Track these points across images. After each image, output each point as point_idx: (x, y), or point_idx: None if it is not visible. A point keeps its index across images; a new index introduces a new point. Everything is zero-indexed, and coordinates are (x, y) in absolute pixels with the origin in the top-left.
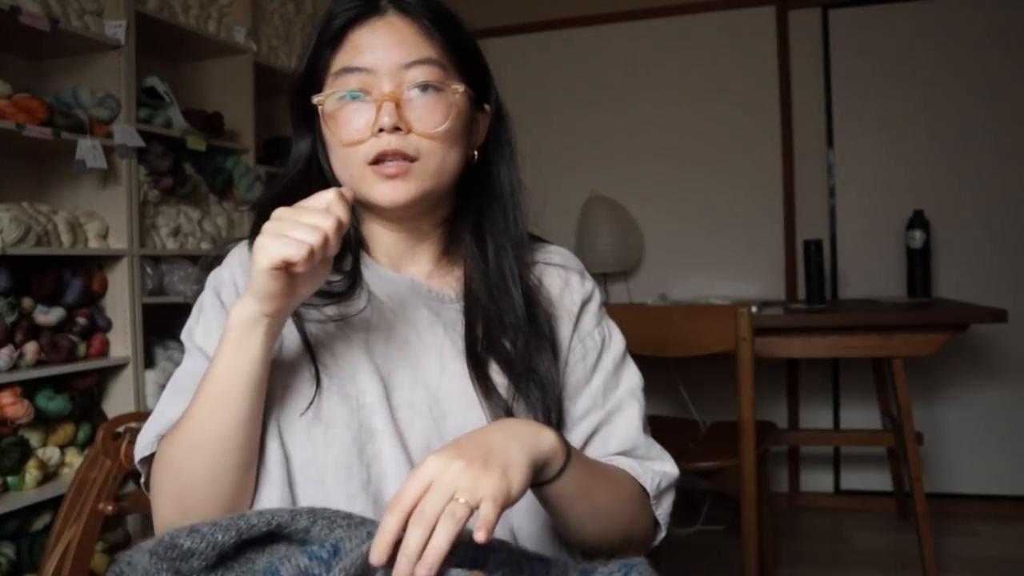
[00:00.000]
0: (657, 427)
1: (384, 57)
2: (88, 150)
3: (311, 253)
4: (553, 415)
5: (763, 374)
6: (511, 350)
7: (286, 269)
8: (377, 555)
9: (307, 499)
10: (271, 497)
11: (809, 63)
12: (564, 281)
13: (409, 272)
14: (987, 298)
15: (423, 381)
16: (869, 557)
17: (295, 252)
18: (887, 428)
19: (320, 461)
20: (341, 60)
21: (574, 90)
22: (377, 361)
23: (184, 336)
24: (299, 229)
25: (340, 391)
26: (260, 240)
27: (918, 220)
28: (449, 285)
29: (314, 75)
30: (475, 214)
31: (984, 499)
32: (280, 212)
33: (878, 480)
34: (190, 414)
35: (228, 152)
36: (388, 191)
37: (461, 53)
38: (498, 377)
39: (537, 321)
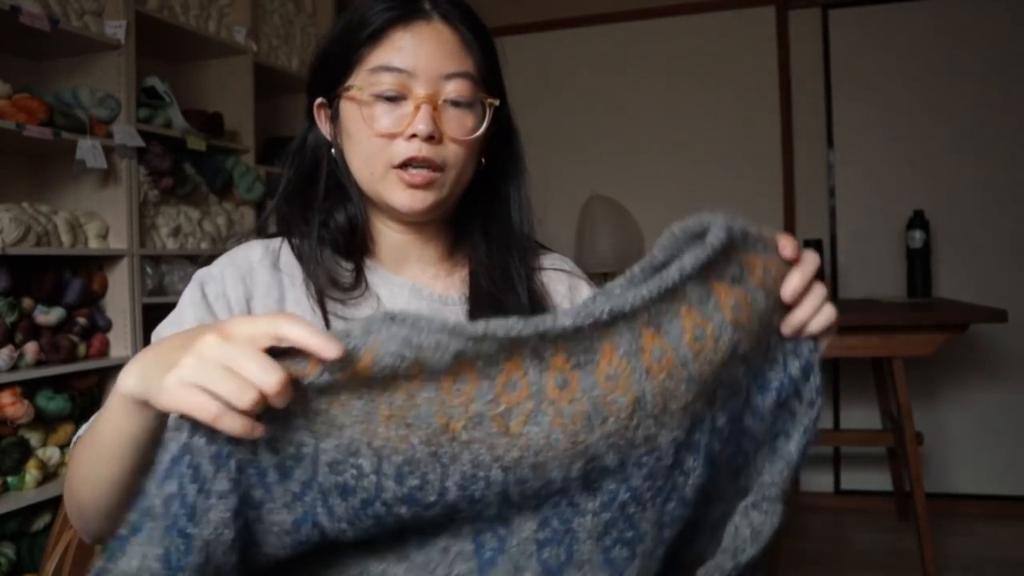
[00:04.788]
0: None
1: (425, 63)
2: (88, 150)
3: (219, 417)
4: None
5: None
6: None
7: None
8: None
9: None
10: None
11: (809, 63)
12: (569, 288)
13: (411, 275)
14: (987, 298)
15: None
16: (869, 557)
17: (202, 414)
18: (887, 428)
19: None
20: (380, 57)
21: (574, 90)
22: None
23: (153, 334)
24: (225, 381)
25: None
26: (173, 375)
27: (918, 220)
28: (453, 287)
29: (343, 66)
30: (482, 217)
31: (984, 499)
32: (212, 342)
33: (878, 480)
34: (81, 448)
35: (228, 152)
36: (408, 198)
37: (490, 65)
38: None
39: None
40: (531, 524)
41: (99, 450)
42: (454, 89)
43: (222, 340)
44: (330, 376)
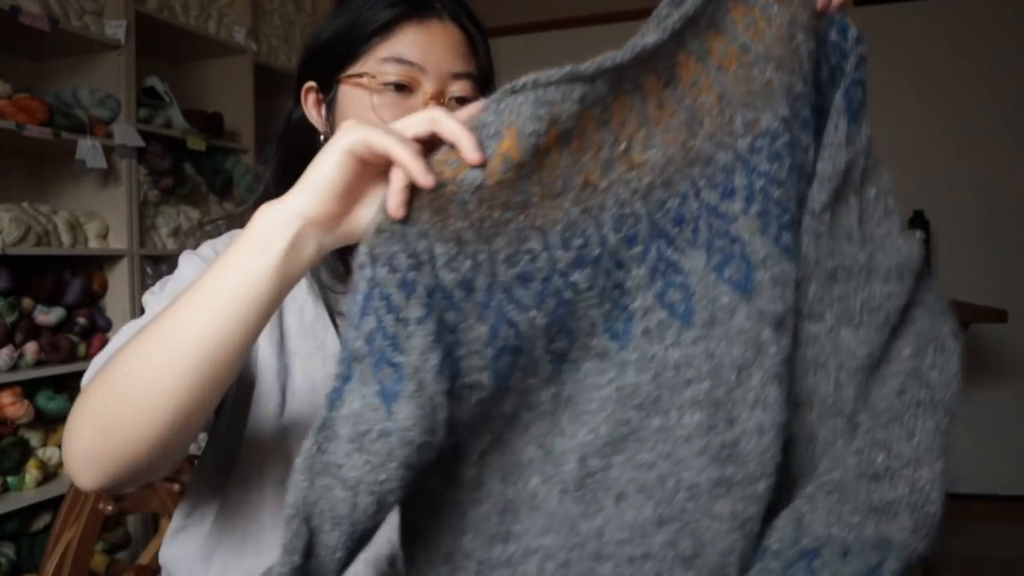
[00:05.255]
0: None
1: (436, 60)
2: (88, 150)
3: (403, 146)
4: None
5: None
6: None
7: (362, 163)
8: None
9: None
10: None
11: None
12: None
13: None
14: (987, 298)
15: None
16: None
17: (386, 141)
18: None
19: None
20: (392, 48)
21: None
22: None
23: (146, 295)
24: (386, 135)
25: (311, 389)
26: (346, 123)
27: (918, 220)
28: None
29: (349, 53)
30: None
31: (984, 499)
32: (355, 121)
33: None
34: (158, 317)
35: (228, 152)
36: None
37: (490, 69)
38: None
39: None
40: (699, 260)
41: (205, 311)
42: (459, 89)
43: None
44: (482, 170)
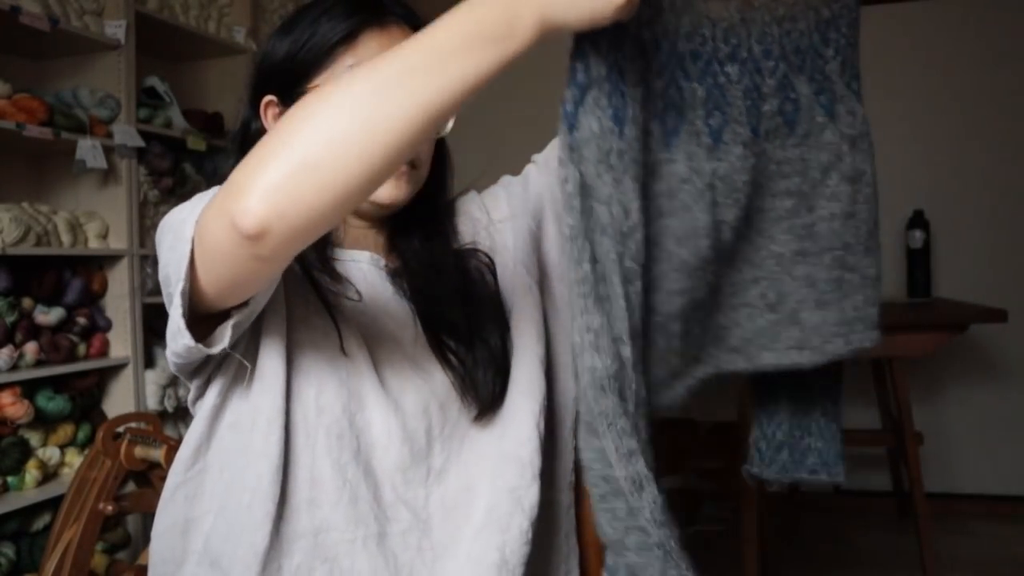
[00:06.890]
0: (657, 427)
1: None
2: (88, 150)
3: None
4: (498, 378)
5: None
6: (457, 320)
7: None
8: None
9: (298, 458)
10: (268, 452)
11: None
12: (483, 201)
13: (368, 250)
14: (987, 298)
15: (400, 348)
16: (869, 557)
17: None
18: (887, 428)
19: (312, 427)
20: (359, 54)
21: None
22: (362, 333)
23: (176, 212)
24: None
25: (330, 361)
26: None
27: (918, 220)
28: (396, 262)
29: (312, 64)
30: (418, 210)
31: (984, 499)
32: None
33: (878, 480)
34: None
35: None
36: (392, 190)
37: None
38: (451, 341)
39: (473, 283)
40: (804, 85)
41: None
42: None
43: None
44: None
